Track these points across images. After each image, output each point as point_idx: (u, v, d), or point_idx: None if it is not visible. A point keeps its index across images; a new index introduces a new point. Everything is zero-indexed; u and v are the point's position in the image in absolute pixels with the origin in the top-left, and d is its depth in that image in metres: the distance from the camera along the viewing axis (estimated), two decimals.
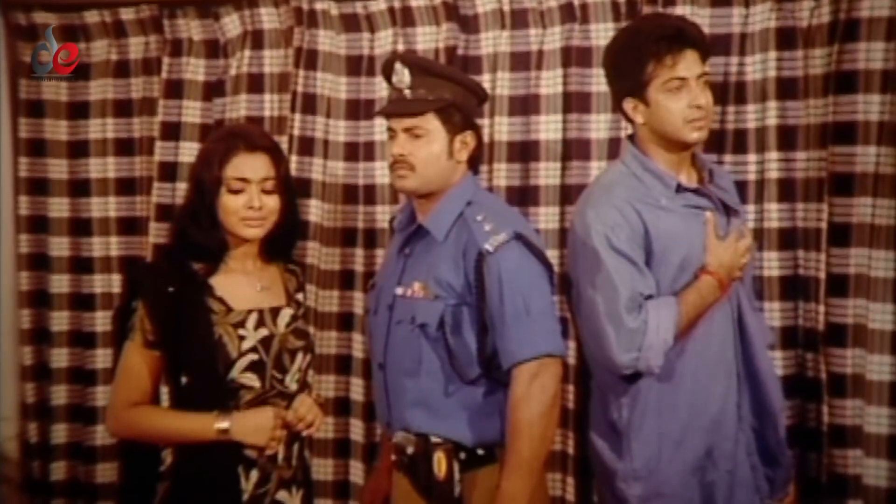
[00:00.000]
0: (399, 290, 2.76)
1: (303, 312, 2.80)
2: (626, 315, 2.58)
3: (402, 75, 2.73)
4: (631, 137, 2.81)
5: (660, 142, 2.71)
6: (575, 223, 2.75)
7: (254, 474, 2.58)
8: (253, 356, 2.57)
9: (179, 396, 2.56)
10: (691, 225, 2.69)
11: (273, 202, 2.62)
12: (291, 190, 2.72)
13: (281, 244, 2.73)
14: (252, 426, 2.54)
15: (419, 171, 2.71)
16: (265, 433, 2.55)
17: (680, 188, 2.71)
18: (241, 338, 2.57)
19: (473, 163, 2.83)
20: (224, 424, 2.51)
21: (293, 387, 2.66)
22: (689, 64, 2.64)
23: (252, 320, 2.61)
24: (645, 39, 2.66)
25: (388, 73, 2.79)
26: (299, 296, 2.81)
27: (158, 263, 2.68)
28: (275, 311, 2.67)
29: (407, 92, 2.73)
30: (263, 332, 2.61)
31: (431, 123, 2.71)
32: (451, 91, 2.72)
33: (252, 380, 2.57)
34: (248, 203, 2.58)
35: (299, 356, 2.69)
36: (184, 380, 2.54)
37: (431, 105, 2.70)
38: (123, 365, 2.57)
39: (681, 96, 2.64)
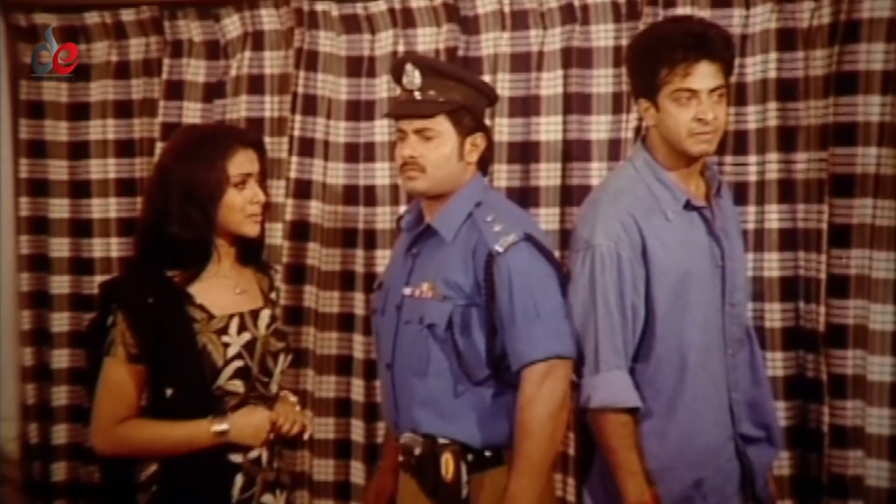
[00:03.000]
0: (407, 291, 2.75)
1: (278, 312, 2.79)
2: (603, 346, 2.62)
3: (413, 76, 2.72)
4: (643, 139, 2.79)
5: (669, 149, 2.67)
6: (579, 226, 2.74)
7: (238, 479, 2.57)
8: (238, 363, 2.56)
9: (163, 409, 2.52)
10: (691, 243, 2.68)
11: (263, 196, 2.63)
12: (267, 185, 2.73)
13: (256, 244, 2.72)
14: (250, 426, 2.54)
15: (430, 173, 2.70)
16: (262, 432, 2.56)
17: (688, 205, 2.69)
18: (226, 345, 2.54)
19: (483, 164, 2.82)
20: (222, 427, 2.50)
21: (274, 388, 2.67)
22: (702, 76, 2.57)
23: (234, 325, 2.58)
24: (662, 43, 2.61)
25: (398, 74, 2.78)
26: (272, 294, 2.81)
27: (134, 275, 2.62)
28: (254, 314, 2.65)
29: (417, 93, 2.72)
30: (246, 336, 2.59)
31: (442, 125, 2.69)
32: (462, 93, 2.72)
33: (237, 386, 2.56)
34: (252, 198, 2.57)
35: (281, 358, 2.69)
36: (169, 392, 2.51)
37: (443, 107, 2.69)
38: (106, 382, 2.52)
39: (689, 108, 2.58)
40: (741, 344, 2.78)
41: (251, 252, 2.72)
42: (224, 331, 2.56)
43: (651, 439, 2.64)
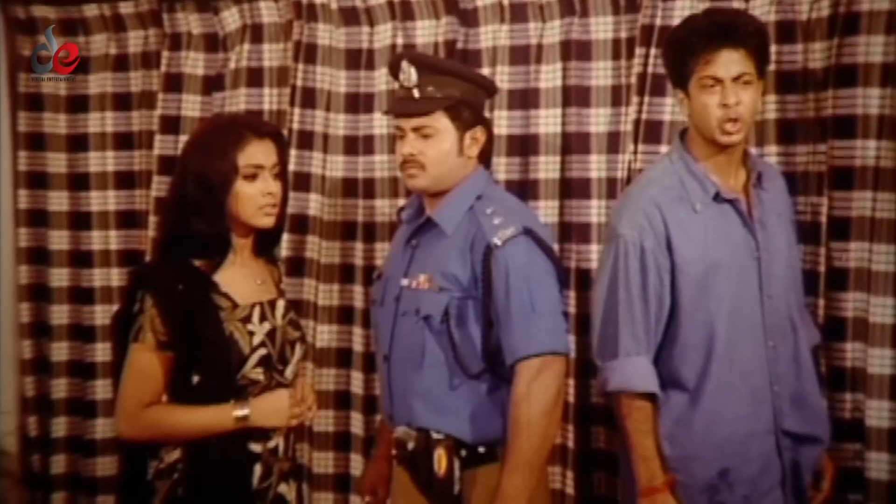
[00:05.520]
0: (405, 282, 2.76)
1: (289, 303, 2.80)
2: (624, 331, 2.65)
3: (410, 74, 2.72)
4: (682, 133, 2.80)
5: (703, 139, 2.69)
6: (611, 217, 2.79)
7: (257, 468, 2.58)
8: (262, 351, 2.57)
9: (188, 396, 2.52)
10: (721, 234, 2.68)
11: (279, 188, 2.62)
12: (287, 177, 2.73)
13: (273, 235, 2.73)
14: (270, 408, 2.55)
15: (429, 170, 2.70)
16: (284, 412, 2.56)
17: (718, 197, 2.69)
18: (251, 333, 2.56)
19: (485, 157, 2.82)
20: (244, 412, 2.51)
21: (290, 378, 2.67)
22: (724, 63, 2.59)
23: (257, 314, 2.60)
24: (689, 33, 2.67)
25: (395, 72, 2.78)
26: (281, 286, 2.82)
27: (162, 262, 2.64)
28: (272, 304, 2.67)
29: (415, 91, 2.72)
30: (267, 325, 2.61)
31: (440, 122, 2.69)
32: (460, 88, 2.71)
33: (260, 374, 2.57)
34: (264, 190, 2.57)
35: (297, 347, 2.70)
36: (195, 379, 2.51)
37: (439, 104, 2.69)
38: (133, 367, 2.53)
39: (714, 94, 2.61)
40: (784, 336, 2.75)
41: (267, 243, 2.73)
42: (248, 319, 2.58)
43: (676, 426, 2.67)
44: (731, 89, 2.60)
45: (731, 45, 2.60)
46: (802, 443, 2.75)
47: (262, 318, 2.61)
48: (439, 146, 2.69)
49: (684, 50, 2.65)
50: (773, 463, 2.72)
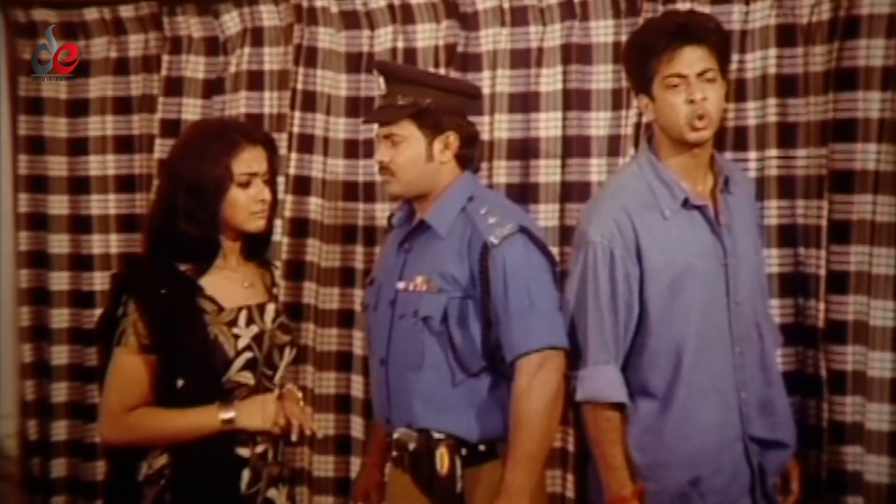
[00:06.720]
0: (401, 285, 2.77)
1: (281, 307, 2.81)
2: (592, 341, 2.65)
3: (379, 83, 2.78)
4: (650, 138, 2.80)
5: (670, 142, 2.69)
6: (579, 223, 2.76)
7: (246, 474, 2.57)
8: (248, 354, 2.57)
9: (173, 400, 2.51)
10: (690, 240, 2.68)
11: (270, 195, 2.63)
12: (276, 183, 2.74)
13: (262, 240, 2.73)
14: (256, 411, 2.54)
15: (399, 177, 2.75)
16: (270, 416, 2.55)
17: (686, 203, 2.68)
18: (236, 336, 2.56)
19: (469, 161, 2.83)
20: (229, 414, 2.51)
21: (279, 382, 2.67)
22: (687, 60, 2.59)
23: (243, 318, 2.60)
24: (649, 36, 2.68)
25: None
26: (274, 290, 2.83)
27: (146, 266, 2.64)
28: (261, 308, 2.67)
29: (385, 99, 2.77)
30: (254, 329, 2.61)
31: (407, 129, 2.73)
32: (429, 95, 2.73)
33: (247, 378, 2.57)
34: (257, 197, 2.58)
35: (286, 351, 2.70)
36: (180, 383, 2.50)
37: (402, 112, 2.72)
38: (117, 370, 2.53)
39: (680, 92, 2.60)
40: (750, 342, 2.75)
41: (257, 247, 2.73)
42: (234, 323, 2.57)
43: (645, 434, 2.66)
44: (697, 85, 2.60)
45: (692, 42, 2.61)
46: (769, 448, 2.75)
47: (249, 322, 2.60)
48: (406, 153, 2.73)
49: (646, 52, 2.65)
50: (741, 470, 2.71)
